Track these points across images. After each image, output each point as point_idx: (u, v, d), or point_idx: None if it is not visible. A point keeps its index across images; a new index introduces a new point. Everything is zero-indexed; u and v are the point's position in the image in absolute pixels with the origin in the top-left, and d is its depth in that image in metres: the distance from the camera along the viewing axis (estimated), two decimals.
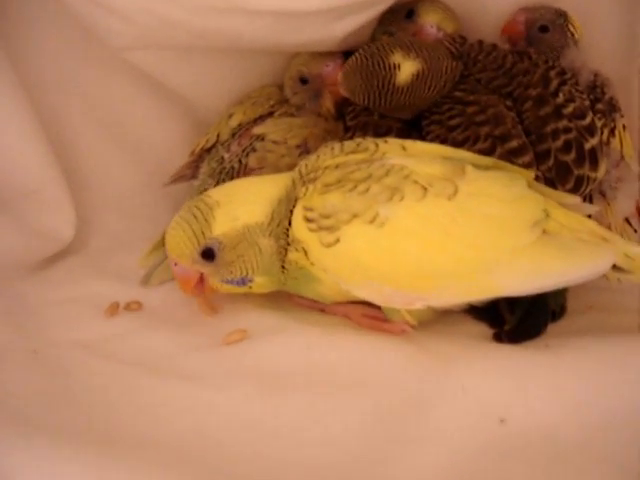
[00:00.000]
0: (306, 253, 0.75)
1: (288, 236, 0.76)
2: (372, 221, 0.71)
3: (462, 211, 0.72)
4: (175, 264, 0.78)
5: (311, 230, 0.74)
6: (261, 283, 0.78)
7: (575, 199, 0.79)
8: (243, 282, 0.78)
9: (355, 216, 0.72)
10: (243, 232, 0.76)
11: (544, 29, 0.97)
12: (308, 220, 0.74)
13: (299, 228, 0.75)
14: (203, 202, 0.77)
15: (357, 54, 0.90)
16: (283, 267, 0.77)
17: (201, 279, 0.79)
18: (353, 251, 0.72)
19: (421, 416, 0.66)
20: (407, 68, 0.88)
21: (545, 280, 0.72)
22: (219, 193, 0.79)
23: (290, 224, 0.76)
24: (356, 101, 0.92)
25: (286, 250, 0.76)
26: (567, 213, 0.76)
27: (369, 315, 0.79)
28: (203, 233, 0.75)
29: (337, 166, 0.76)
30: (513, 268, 0.71)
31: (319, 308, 0.82)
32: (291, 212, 0.76)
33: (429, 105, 0.91)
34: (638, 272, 0.74)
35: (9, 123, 0.95)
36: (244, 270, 0.77)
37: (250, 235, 0.76)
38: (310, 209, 0.74)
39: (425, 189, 0.72)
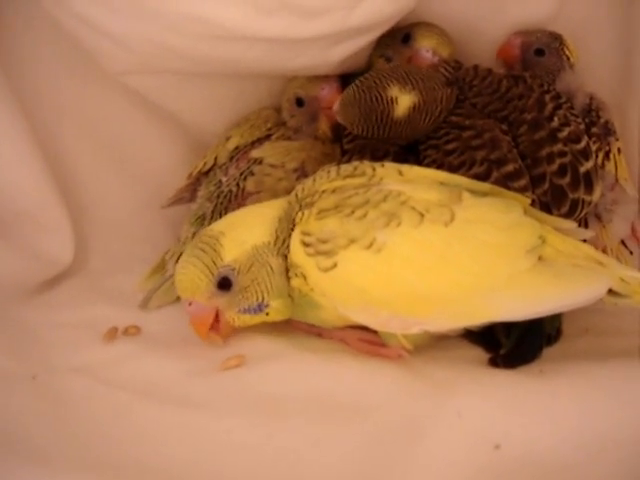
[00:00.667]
0: (305, 278, 0.75)
1: (287, 261, 0.76)
2: (369, 247, 0.72)
3: (458, 237, 0.72)
4: (190, 304, 0.77)
5: (308, 255, 0.74)
6: (277, 308, 0.78)
7: (571, 224, 0.80)
8: (260, 309, 0.77)
9: (352, 241, 0.72)
10: (253, 253, 0.76)
11: (540, 52, 0.98)
12: (305, 245, 0.74)
13: (297, 252, 0.75)
14: (207, 235, 0.77)
15: (354, 86, 0.90)
16: (290, 293, 0.77)
17: (216, 318, 0.78)
18: (350, 276, 0.73)
19: (416, 441, 0.65)
20: (404, 102, 0.89)
21: (541, 306, 0.73)
22: (221, 224, 0.80)
23: (288, 250, 0.76)
24: (353, 132, 0.93)
25: (288, 277, 0.76)
26: (563, 238, 0.76)
27: (366, 340, 0.79)
28: (214, 263, 0.75)
29: (334, 190, 0.77)
30: (509, 294, 0.72)
31: (316, 332, 0.82)
32: (290, 235, 0.76)
33: (426, 132, 0.92)
34: (635, 296, 0.74)
35: (6, 144, 0.95)
36: (259, 294, 0.77)
37: (260, 256, 0.76)
38: (307, 234, 0.75)
39: (422, 215, 0.73)
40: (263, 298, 0.77)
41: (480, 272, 0.72)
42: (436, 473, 0.63)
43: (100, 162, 1.07)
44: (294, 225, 0.77)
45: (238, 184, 0.96)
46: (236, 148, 1.00)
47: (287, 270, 0.77)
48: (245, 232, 0.77)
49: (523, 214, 0.76)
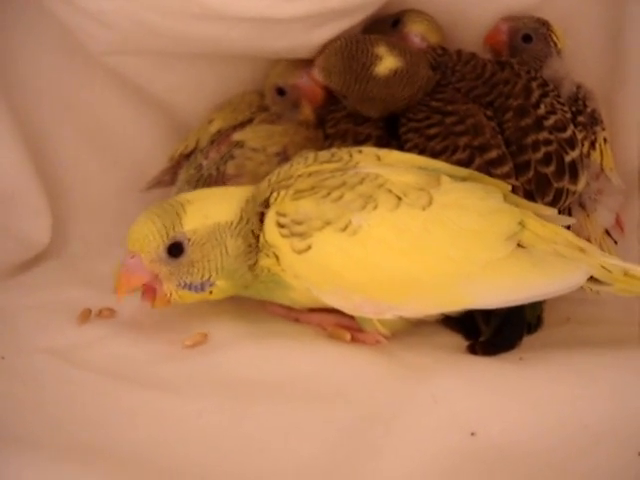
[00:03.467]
0: (278, 259, 0.74)
1: (258, 241, 0.75)
2: (344, 229, 0.71)
3: (436, 222, 0.71)
4: (131, 257, 0.75)
5: (283, 236, 0.73)
6: (222, 288, 0.76)
7: (551, 211, 0.79)
8: (202, 287, 0.76)
9: (327, 223, 0.72)
10: (213, 230, 0.74)
11: (527, 38, 0.97)
12: (280, 225, 0.73)
13: (271, 233, 0.74)
14: (174, 200, 0.76)
15: (342, 38, 0.91)
16: (252, 272, 0.76)
17: (152, 289, 0.76)
18: (324, 258, 0.72)
19: (391, 427, 0.65)
20: (388, 62, 0.89)
21: (518, 294, 0.72)
22: (190, 194, 0.79)
23: (260, 229, 0.75)
24: (329, 82, 0.92)
25: (256, 255, 0.75)
26: (543, 224, 0.75)
27: (343, 325, 0.78)
28: (173, 226, 0.74)
29: (310, 174, 0.76)
30: (486, 281, 0.71)
31: (293, 317, 0.81)
32: (261, 215, 0.75)
33: (398, 109, 0.91)
34: (616, 284, 0.73)
35: None
36: (207, 272, 0.75)
37: (219, 234, 0.75)
38: (283, 214, 0.74)
39: (399, 198, 0.72)
40: (210, 276, 0.75)
41: (457, 258, 0.71)
42: (410, 459, 0.62)
43: (80, 145, 1.06)
44: (267, 205, 0.76)
45: (218, 168, 0.95)
46: (218, 131, 0.99)
47: (251, 250, 0.75)
48: (211, 206, 0.76)
49: (503, 200, 0.75)
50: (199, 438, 0.64)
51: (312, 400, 0.68)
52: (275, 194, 0.76)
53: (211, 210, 0.75)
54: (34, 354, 0.75)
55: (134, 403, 0.68)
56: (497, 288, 0.72)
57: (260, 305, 0.81)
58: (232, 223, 0.75)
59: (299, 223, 0.72)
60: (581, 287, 0.74)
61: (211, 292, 0.77)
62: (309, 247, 0.72)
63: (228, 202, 0.76)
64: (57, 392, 0.70)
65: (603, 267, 0.73)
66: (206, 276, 0.75)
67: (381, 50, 0.89)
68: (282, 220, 0.73)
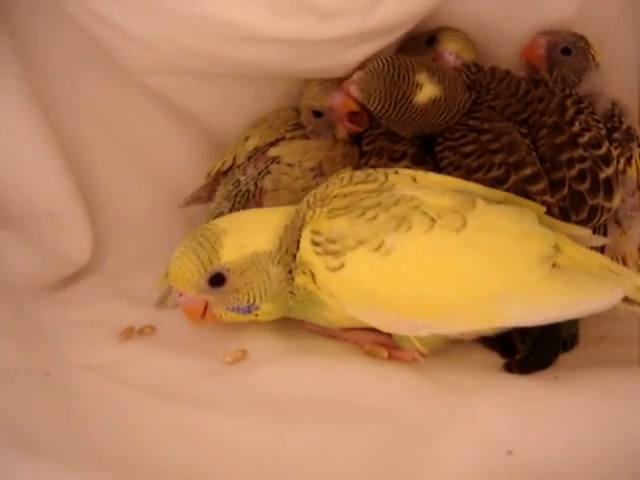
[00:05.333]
0: (313, 276, 0.75)
1: (295, 260, 0.76)
2: (377, 249, 0.72)
3: (469, 244, 0.72)
4: (180, 295, 0.78)
5: (317, 254, 0.74)
6: (267, 311, 0.78)
7: (586, 231, 0.79)
8: (249, 310, 0.77)
9: (361, 242, 0.72)
10: (252, 259, 0.75)
11: (567, 51, 0.97)
12: (315, 244, 0.74)
13: (306, 251, 0.75)
14: (209, 230, 0.77)
15: (383, 59, 0.90)
16: (291, 292, 0.77)
17: (205, 308, 0.78)
18: (357, 277, 0.72)
19: (428, 446, 0.65)
20: (428, 91, 0.89)
21: (552, 313, 0.72)
22: (225, 222, 0.79)
23: (297, 249, 0.76)
24: (366, 103, 0.92)
25: (292, 275, 0.76)
26: (578, 248, 0.76)
27: (380, 342, 0.78)
28: (210, 260, 0.75)
29: (345, 195, 0.77)
30: (520, 300, 0.71)
31: (330, 335, 0.81)
32: (297, 240, 0.76)
33: (434, 131, 0.92)
34: None
35: (26, 143, 0.97)
36: (251, 297, 0.76)
37: (259, 263, 0.76)
38: (317, 233, 0.74)
39: (433, 220, 0.72)
40: (254, 301, 0.77)
41: (489, 279, 0.71)
42: (447, 478, 0.62)
43: (119, 161, 1.08)
44: (303, 226, 0.76)
45: (256, 183, 0.96)
46: (255, 149, 1.00)
47: (290, 272, 0.76)
48: (248, 236, 0.76)
49: (537, 223, 0.76)
50: (239, 455, 0.65)
51: (351, 418, 0.68)
52: (311, 212, 0.77)
53: (248, 239, 0.76)
54: (77, 370, 0.77)
55: (174, 420, 0.69)
56: (530, 307, 0.71)
57: (297, 321, 0.82)
58: (271, 252, 0.76)
59: (333, 242, 0.73)
60: (616, 307, 0.73)
61: (257, 315, 0.78)
62: (342, 265, 0.72)
63: (266, 231, 0.77)
64: (99, 408, 0.71)
65: (638, 288, 0.73)
66: (251, 300, 0.77)
67: (422, 78, 0.89)
68: (317, 238, 0.74)
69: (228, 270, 0.75)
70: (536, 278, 0.72)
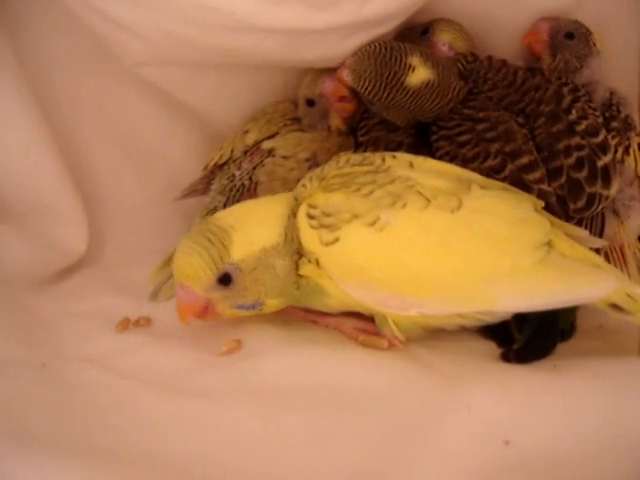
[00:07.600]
0: (318, 263, 0.74)
1: (300, 249, 0.76)
2: (372, 224, 0.72)
3: (463, 225, 0.72)
4: (182, 287, 0.76)
5: (312, 227, 0.74)
6: (272, 305, 0.77)
7: (583, 232, 0.79)
8: (254, 307, 0.77)
9: (356, 217, 0.72)
10: (260, 256, 0.75)
11: (570, 36, 0.97)
12: (310, 217, 0.74)
13: (302, 225, 0.75)
14: (216, 226, 0.75)
15: (376, 43, 0.90)
16: (296, 283, 0.76)
17: (205, 306, 0.77)
18: (350, 251, 0.72)
19: (425, 436, 0.65)
20: (420, 73, 0.89)
21: (544, 299, 0.72)
22: (231, 217, 0.78)
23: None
24: (356, 86, 0.91)
25: (298, 265, 0.76)
26: (572, 244, 0.75)
27: (360, 328, 0.78)
28: (222, 258, 0.74)
29: (342, 176, 0.77)
30: (511, 284, 0.71)
31: (311, 320, 0.81)
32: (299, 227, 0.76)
33: (425, 119, 0.92)
34: (638, 314, 0.73)
35: (21, 135, 0.96)
36: (257, 295, 0.76)
37: (267, 258, 0.75)
38: (313, 206, 0.75)
39: (428, 200, 0.73)
40: (260, 298, 0.76)
41: (482, 262, 0.71)
42: (444, 467, 0.62)
43: (115, 154, 1.08)
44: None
45: (250, 178, 0.96)
46: (254, 143, 1.00)
47: (297, 262, 0.76)
48: (256, 231, 0.75)
49: (533, 210, 0.76)
50: (235, 446, 0.65)
51: (348, 408, 0.68)
52: (309, 185, 0.77)
53: (256, 234, 0.75)
54: (74, 362, 0.77)
55: (171, 411, 0.69)
56: (522, 292, 0.72)
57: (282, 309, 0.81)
58: (278, 244, 0.75)
59: (328, 215, 0.73)
60: (604, 312, 0.73)
61: (261, 310, 0.78)
62: (336, 239, 0.72)
63: (272, 223, 0.76)
64: (96, 399, 0.71)
65: (628, 295, 0.72)
66: (257, 298, 0.76)
67: (415, 60, 0.89)
68: (312, 212, 0.74)
69: (238, 268, 0.74)
70: (529, 263, 0.72)
